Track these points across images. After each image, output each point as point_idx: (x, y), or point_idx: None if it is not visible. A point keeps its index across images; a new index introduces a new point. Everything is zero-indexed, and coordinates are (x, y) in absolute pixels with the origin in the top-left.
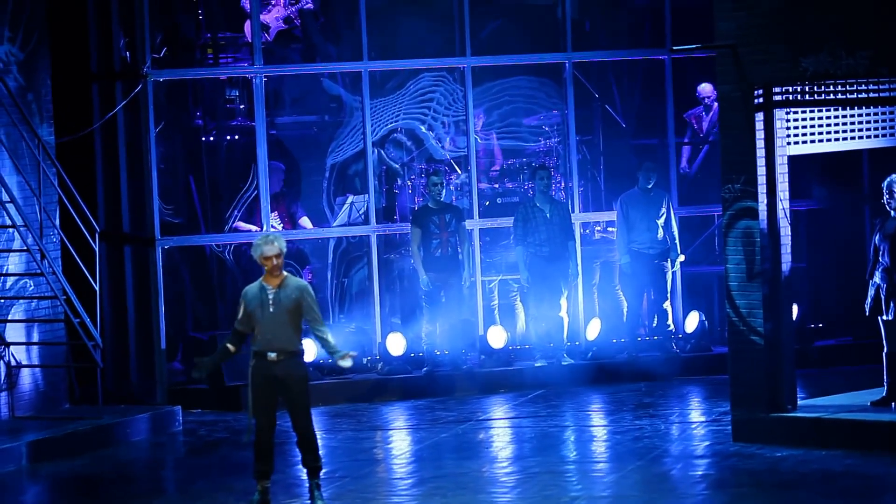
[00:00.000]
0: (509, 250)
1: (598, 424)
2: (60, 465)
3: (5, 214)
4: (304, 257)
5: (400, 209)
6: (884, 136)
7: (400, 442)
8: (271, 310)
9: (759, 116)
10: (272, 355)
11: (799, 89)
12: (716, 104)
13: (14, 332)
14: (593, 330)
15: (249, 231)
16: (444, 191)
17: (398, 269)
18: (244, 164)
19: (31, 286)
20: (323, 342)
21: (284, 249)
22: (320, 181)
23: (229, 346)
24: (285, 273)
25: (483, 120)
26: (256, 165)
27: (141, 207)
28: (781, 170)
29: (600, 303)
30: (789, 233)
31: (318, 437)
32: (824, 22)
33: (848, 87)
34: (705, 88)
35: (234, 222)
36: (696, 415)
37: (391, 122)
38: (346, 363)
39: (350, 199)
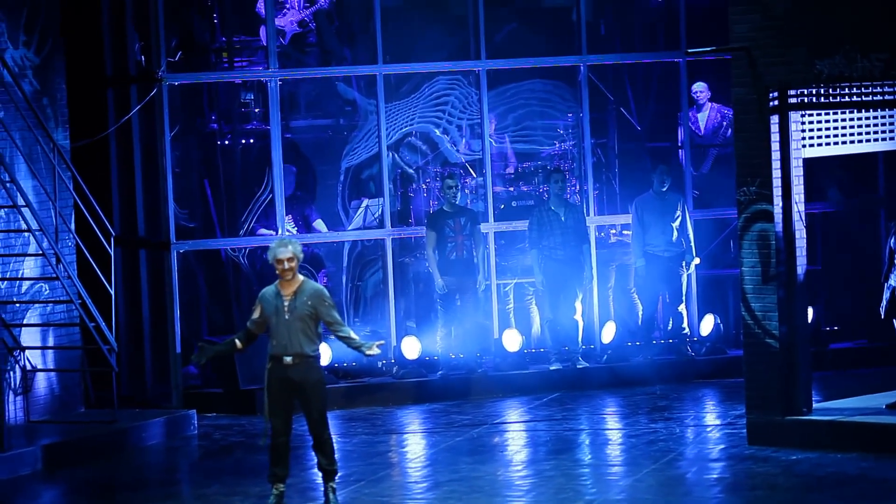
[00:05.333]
0: (524, 253)
1: (613, 428)
2: (75, 469)
3: (21, 218)
4: (319, 261)
5: (415, 213)
6: None
7: (415, 445)
8: (286, 317)
9: (774, 119)
10: (288, 359)
11: (814, 92)
12: (708, 102)
13: (29, 336)
14: (608, 333)
15: (264, 235)
16: (458, 194)
17: (413, 272)
18: (259, 167)
19: (46, 290)
20: (347, 341)
21: (300, 254)
22: (335, 185)
23: (237, 341)
24: (301, 277)
25: (496, 124)
26: (271, 169)
27: (156, 211)
28: (796, 172)
29: (615, 306)
30: (804, 235)
31: (334, 440)
32: (839, 24)
33: (863, 90)
34: (697, 87)
35: (257, 229)
36: (711, 418)
37: (406, 126)
38: (375, 352)
39: (365, 202)
